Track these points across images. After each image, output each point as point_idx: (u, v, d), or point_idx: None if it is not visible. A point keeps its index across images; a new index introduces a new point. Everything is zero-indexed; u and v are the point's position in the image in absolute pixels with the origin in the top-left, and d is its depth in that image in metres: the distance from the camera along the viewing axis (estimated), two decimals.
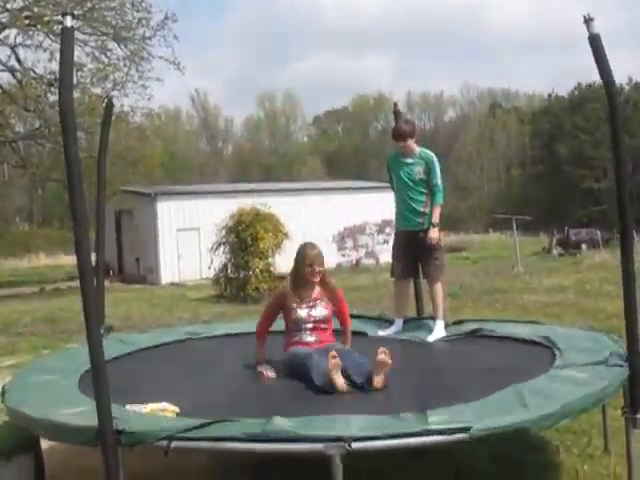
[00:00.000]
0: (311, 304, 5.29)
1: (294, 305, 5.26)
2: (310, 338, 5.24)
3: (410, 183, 6.36)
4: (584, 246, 36.52)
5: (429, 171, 6.36)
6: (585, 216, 53.71)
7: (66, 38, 3.46)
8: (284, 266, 21.08)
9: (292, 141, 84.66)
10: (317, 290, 5.36)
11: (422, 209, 6.35)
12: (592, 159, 57.50)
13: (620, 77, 59.61)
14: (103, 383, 3.33)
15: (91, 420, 3.45)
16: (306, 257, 5.27)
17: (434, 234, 6.31)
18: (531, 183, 67.42)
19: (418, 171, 6.36)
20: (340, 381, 4.38)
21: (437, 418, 3.38)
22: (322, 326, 5.30)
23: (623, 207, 4.16)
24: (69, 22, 3.48)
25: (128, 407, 3.87)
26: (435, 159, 6.44)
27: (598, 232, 37.08)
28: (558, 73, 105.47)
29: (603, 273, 19.22)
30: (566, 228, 38.41)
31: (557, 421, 3.54)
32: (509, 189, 71.01)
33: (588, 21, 4.06)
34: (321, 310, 5.30)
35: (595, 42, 4.06)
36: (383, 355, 4.54)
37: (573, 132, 60.98)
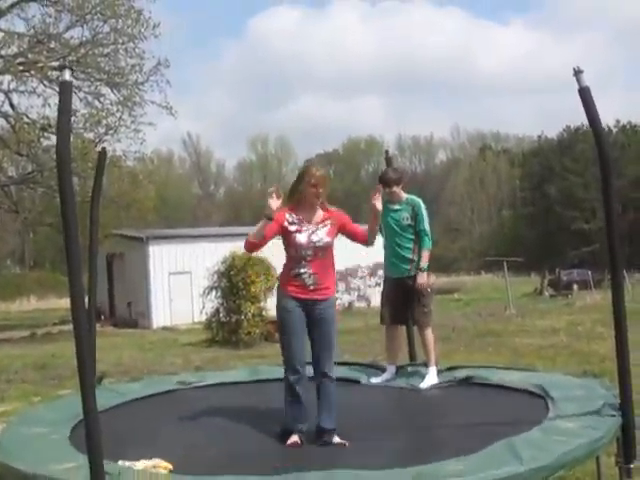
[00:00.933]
0: (312, 228, 4.92)
1: (294, 229, 4.91)
2: (309, 279, 4.89)
3: (397, 229, 6.40)
4: (575, 287, 36.62)
5: (416, 216, 6.39)
6: (576, 257, 53.88)
7: (65, 91, 3.51)
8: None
9: (284, 184, 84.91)
10: (319, 215, 4.97)
11: (410, 255, 6.38)
12: (582, 200, 57.99)
13: (607, 119, 60.33)
14: (96, 440, 3.31)
15: (82, 477, 3.42)
16: (312, 176, 4.88)
17: (422, 279, 6.33)
18: (522, 224, 67.86)
19: (405, 217, 6.39)
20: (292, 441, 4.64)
21: (430, 472, 3.38)
22: (322, 255, 4.93)
23: (614, 252, 4.19)
24: (67, 76, 3.52)
25: (120, 463, 3.83)
26: (422, 204, 6.48)
27: (589, 273, 37.22)
28: (547, 115, 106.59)
29: (595, 314, 19.26)
30: (557, 269, 38.54)
31: (551, 474, 3.52)
32: (500, 230, 71.37)
33: (578, 73, 4.14)
34: (323, 235, 4.93)
35: (585, 94, 4.13)
36: None
37: (563, 173, 61.59)
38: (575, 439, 3.78)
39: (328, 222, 4.97)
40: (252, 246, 5.03)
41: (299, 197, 4.96)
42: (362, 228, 5.18)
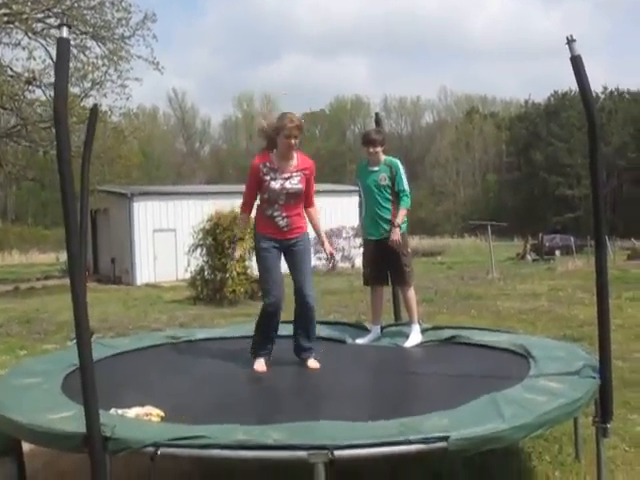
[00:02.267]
0: (286, 176, 5.29)
1: (268, 177, 5.27)
2: (282, 221, 5.33)
3: (376, 190, 6.43)
4: (558, 252, 36.99)
5: (394, 177, 6.43)
6: (559, 222, 54.26)
7: (62, 49, 3.50)
8: None
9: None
10: (293, 163, 5.33)
11: (388, 216, 6.42)
12: (566, 166, 58.20)
13: (595, 85, 60.29)
14: (91, 390, 3.39)
15: (77, 426, 3.51)
16: (284, 128, 5.19)
17: (395, 236, 6.36)
18: (506, 189, 68.08)
19: (383, 177, 6.42)
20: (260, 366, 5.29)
21: (416, 425, 3.48)
22: (294, 201, 5.33)
23: (599, 219, 4.27)
24: (65, 33, 3.52)
25: (113, 411, 3.92)
26: (400, 165, 6.51)
27: (572, 238, 37.54)
28: (535, 80, 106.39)
29: (576, 280, 19.50)
30: (540, 234, 38.81)
31: (532, 432, 3.63)
32: (485, 194, 71.58)
33: (570, 42, 4.17)
34: (295, 183, 5.30)
35: (577, 63, 4.17)
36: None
37: (548, 139, 61.68)
38: (556, 399, 3.89)
39: (301, 172, 5.34)
40: (249, 214, 5.62)
41: (274, 146, 5.31)
42: (313, 197, 5.60)
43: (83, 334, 3.41)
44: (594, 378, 4.27)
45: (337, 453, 3.23)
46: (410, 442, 3.33)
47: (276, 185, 5.25)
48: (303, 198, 5.44)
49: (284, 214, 5.32)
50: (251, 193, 5.46)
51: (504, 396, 3.94)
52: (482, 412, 3.69)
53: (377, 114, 7.82)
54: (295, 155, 5.34)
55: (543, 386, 4.19)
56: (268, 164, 5.29)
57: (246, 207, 5.53)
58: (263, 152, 5.37)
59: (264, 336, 5.44)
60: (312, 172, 5.44)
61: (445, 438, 3.33)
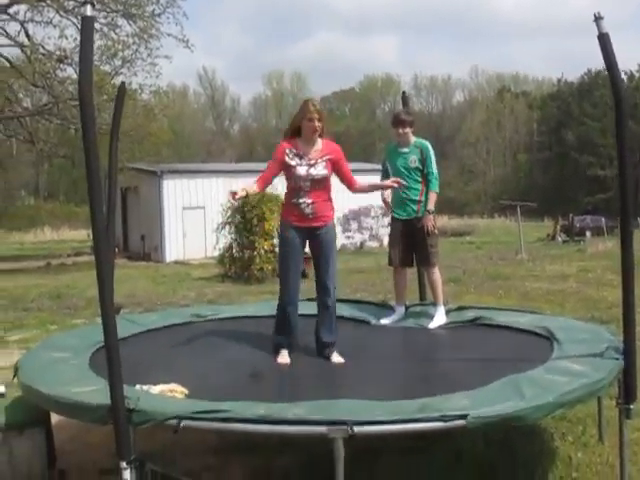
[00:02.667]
0: (311, 162, 5.26)
1: (294, 163, 5.26)
2: (307, 208, 5.28)
3: (405, 171, 6.43)
4: (588, 233, 36.60)
5: (424, 159, 6.43)
6: (590, 203, 53.68)
7: (86, 27, 3.52)
8: None
9: None
10: (318, 148, 5.31)
11: (417, 197, 6.43)
12: (599, 146, 57.41)
13: (630, 64, 59.32)
14: (116, 363, 3.46)
15: (102, 398, 3.58)
16: (307, 112, 5.20)
17: (428, 221, 6.39)
18: (537, 169, 67.38)
19: (413, 159, 6.42)
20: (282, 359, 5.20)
21: (436, 405, 3.51)
22: (319, 187, 5.29)
23: (625, 199, 4.24)
24: (89, 11, 3.54)
25: (138, 387, 3.99)
26: (430, 147, 6.51)
27: (603, 219, 37.12)
28: (568, 59, 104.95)
29: (606, 261, 19.31)
30: (571, 215, 38.42)
31: (552, 411, 3.64)
32: (515, 174, 70.93)
33: (598, 19, 4.11)
34: (321, 169, 5.27)
35: (604, 41, 4.11)
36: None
37: (581, 118, 60.86)
38: (577, 379, 3.89)
39: (326, 157, 5.29)
40: (261, 188, 5.51)
41: (298, 131, 5.29)
42: (347, 170, 5.50)
43: (107, 310, 3.47)
44: (617, 359, 4.26)
45: (356, 429, 3.27)
46: (429, 420, 3.36)
47: (302, 171, 5.23)
48: (329, 185, 5.40)
49: (309, 201, 5.28)
50: (270, 172, 5.41)
51: (525, 377, 3.95)
52: (502, 392, 3.70)
53: (404, 93, 7.79)
54: (319, 140, 5.32)
55: (565, 367, 4.19)
56: (294, 149, 5.28)
57: (260, 181, 5.42)
58: (289, 138, 5.36)
59: (282, 331, 5.42)
60: (339, 155, 5.40)
61: (464, 416, 3.35)
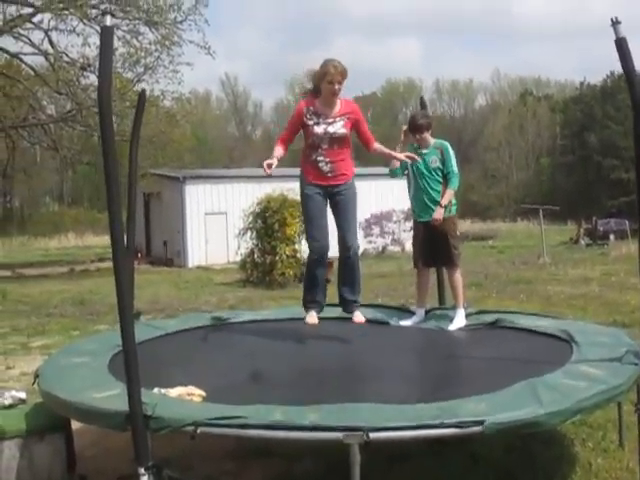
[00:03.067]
0: (329, 121, 5.31)
1: (311, 122, 5.32)
2: (325, 166, 5.35)
3: (426, 172, 6.44)
4: (612, 237, 36.26)
5: (445, 159, 6.43)
6: (614, 206, 53.14)
7: (106, 37, 3.56)
8: None
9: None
10: (337, 109, 5.36)
11: (438, 198, 6.40)
12: (622, 149, 56.78)
13: None
14: (134, 370, 3.48)
15: (121, 404, 3.61)
16: (327, 74, 5.24)
17: (438, 215, 6.34)
18: (560, 172, 66.89)
19: (434, 160, 6.43)
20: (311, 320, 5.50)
21: (453, 410, 3.51)
22: (338, 146, 5.35)
23: None
24: (109, 21, 3.59)
25: (156, 390, 4.01)
26: (449, 147, 6.51)
27: (627, 222, 36.74)
28: (590, 61, 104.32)
29: (629, 265, 19.08)
30: (594, 218, 38.06)
31: (569, 418, 3.62)
32: (538, 178, 70.46)
33: (615, 24, 4.10)
34: (339, 127, 5.32)
35: (622, 45, 4.11)
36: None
37: (604, 121, 60.37)
38: (595, 385, 3.86)
39: (345, 116, 5.35)
40: (284, 149, 5.52)
41: (318, 92, 5.33)
42: (366, 129, 5.59)
43: (126, 315, 3.50)
44: (637, 365, 4.22)
45: (372, 435, 3.27)
46: (445, 426, 3.35)
47: (319, 129, 5.29)
48: (348, 143, 5.46)
49: (328, 159, 5.34)
50: (289, 131, 5.51)
51: (543, 381, 3.93)
52: (520, 397, 3.69)
53: (422, 98, 7.83)
54: (338, 101, 5.36)
55: (583, 372, 4.16)
56: (312, 108, 5.33)
57: (281, 142, 5.49)
58: (308, 97, 5.40)
59: (312, 286, 5.50)
60: (357, 114, 5.46)
61: (481, 422, 3.34)
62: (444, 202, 6.38)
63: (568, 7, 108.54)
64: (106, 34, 3.57)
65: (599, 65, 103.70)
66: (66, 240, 50.26)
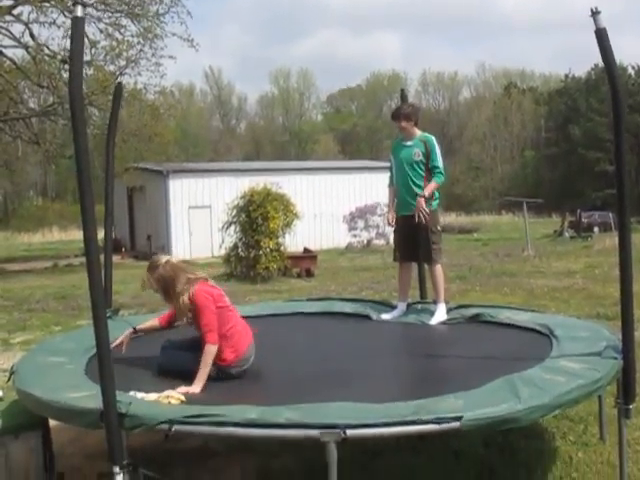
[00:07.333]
0: None
1: None
2: None
3: (408, 165, 6.41)
4: (596, 229, 36.45)
5: (429, 153, 6.39)
6: (598, 199, 53.42)
7: (76, 28, 3.49)
8: (294, 246, 21.25)
9: (306, 119, 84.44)
10: None
11: (420, 192, 6.38)
12: (606, 141, 57.06)
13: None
14: (108, 368, 3.43)
15: (95, 403, 3.56)
16: None
17: (419, 205, 6.31)
18: (545, 165, 67.16)
19: (417, 152, 6.39)
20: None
21: (430, 407, 3.48)
22: None
23: (622, 193, 4.20)
24: (80, 12, 3.49)
25: (132, 394, 3.95)
26: (434, 141, 6.47)
27: (610, 215, 36.91)
28: (575, 54, 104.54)
29: (613, 258, 19.05)
30: (578, 211, 38.23)
31: (548, 413, 3.62)
32: (522, 170, 70.72)
33: (595, 14, 4.08)
34: None
35: (601, 36, 4.08)
36: None
37: (588, 114, 60.63)
38: (575, 379, 3.84)
39: None
40: None
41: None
42: None
43: (99, 312, 3.45)
44: (616, 359, 4.21)
45: (349, 432, 3.24)
46: (423, 422, 3.32)
47: None
48: None
49: None
50: None
51: (522, 377, 3.91)
52: (498, 393, 3.67)
53: (402, 90, 7.80)
54: None
55: (563, 366, 4.14)
56: None
57: None
58: None
59: None
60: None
61: (459, 418, 3.32)
62: (425, 193, 6.34)
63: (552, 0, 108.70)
64: (77, 25, 3.49)
65: (584, 58, 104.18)
66: (50, 235, 50.02)
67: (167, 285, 4.74)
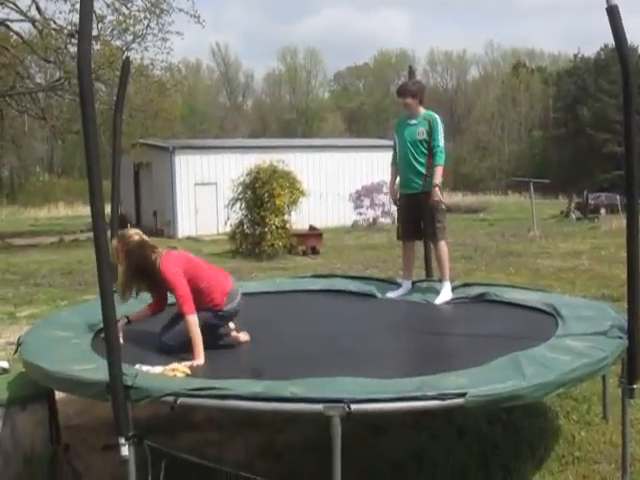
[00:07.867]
0: None
1: None
2: None
3: (412, 143, 6.38)
4: (603, 211, 36.38)
5: (432, 131, 6.36)
6: (606, 180, 53.23)
7: (85, 3, 3.48)
8: (300, 223, 21.24)
9: (313, 97, 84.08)
10: None
11: (423, 170, 6.36)
12: (615, 122, 56.74)
13: None
14: (114, 340, 3.45)
15: (101, 375, 3.59)
16: None
17: (436, 196, 6.33)
18: (552, 145, 66.83)
19: (420, 131, 6.36)
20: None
21: (434, 383, 3.49)
22: None
23: (631, 174, 4.18)
24: None
25: (138, 367, 3.97)
26: (438, 120, 6.43)
27: (617, 197, 36.80)
28: (585, 34, 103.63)
29: (620, 239, 18.99)
30: (585, 192, 38.12)
31: (552, 391, 3.61)
32: (530, 151, 70.40)
33: None
34: None
35: (613, 13, 4.05)
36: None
37: (597, 94, 60.23)
38: (579, 358, 3.85)
39: None
40: None
41: None
42: None
43: (105, 285, 3.46)
44: (621, 338, 4.21)
45: (354, 407, 3.24)
46: (427, 398, 3.33)
47: None
48: None
49: None
50: None
51: (527, 355, 3.91)
52: (503, 370, 3.67)
53: (410, 67, 7.74)
54: None
55: (568, 345, 4.15)
56: None
57: None
58: None
59: None
60: None
61: (462, 395, 3.32)
62: (437, 181, 6.33)
63: None
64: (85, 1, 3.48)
65: (593, 38, 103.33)
66: (56, 210, 50.06)
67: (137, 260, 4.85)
